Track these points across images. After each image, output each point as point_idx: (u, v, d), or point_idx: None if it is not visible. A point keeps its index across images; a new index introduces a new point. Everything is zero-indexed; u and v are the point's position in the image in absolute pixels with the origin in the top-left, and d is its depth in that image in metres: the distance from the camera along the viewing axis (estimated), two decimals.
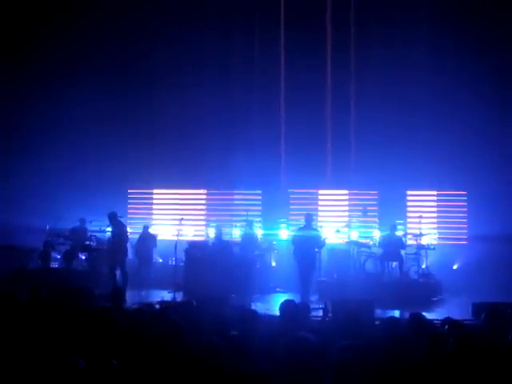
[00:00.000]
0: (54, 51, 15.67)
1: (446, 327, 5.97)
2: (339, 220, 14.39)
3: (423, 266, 13.30)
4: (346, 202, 15.16)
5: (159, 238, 14.82)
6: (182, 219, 14.17)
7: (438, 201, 14.84)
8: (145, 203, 16.14)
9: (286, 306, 6.58)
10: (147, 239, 14.53)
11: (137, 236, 14.56)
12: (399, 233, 13.49)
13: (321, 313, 8.77)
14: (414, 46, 14.54)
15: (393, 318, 6.90)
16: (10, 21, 15.74)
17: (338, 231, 12.96)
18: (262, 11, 15.46)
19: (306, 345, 4.73)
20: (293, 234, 12.65)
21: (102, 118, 15.31)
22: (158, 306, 9.81)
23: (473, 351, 4.97)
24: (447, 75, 14.22)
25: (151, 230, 14.89)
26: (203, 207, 15.78)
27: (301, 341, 4.76)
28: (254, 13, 15.47)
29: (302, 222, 12.71)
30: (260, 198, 15.52)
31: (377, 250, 13.36)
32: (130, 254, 13.95)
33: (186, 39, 15.23)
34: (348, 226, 13.78)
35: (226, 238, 13.77)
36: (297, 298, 11.49)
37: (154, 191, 16.20)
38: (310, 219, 12.39)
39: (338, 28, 15.10)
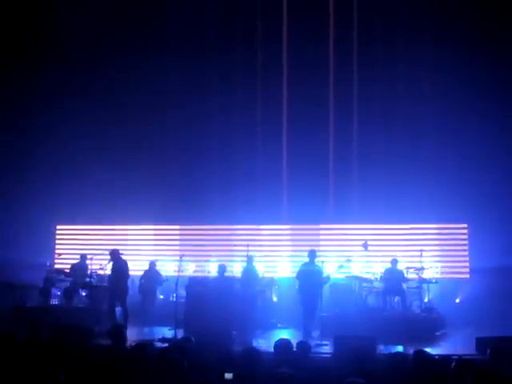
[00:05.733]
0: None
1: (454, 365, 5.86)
2: (341, 255, 14.30)
3: (425, 300, 13.20)
4: (348, 237, 15.11)
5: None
6: (183, 255, 14.16)
7: (438, 234, 14.79)
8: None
9: (280, 344, 6.52)
10: (153, 276, 14.44)
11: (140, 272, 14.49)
12: (401, 266, 13.41)
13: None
14: (417, 79, 14.74)
15: (398, 353, 6.83)
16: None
17: (341, 267, 12.85)
18: (264, 42, 15.66)
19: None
20: (297, 269, 12.51)
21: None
22: (158, 344, 9.78)
23: None
24: (448, 108, 14.37)
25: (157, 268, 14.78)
26: (203, 243, 15.68)
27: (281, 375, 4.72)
28: (256, 44, 15.65)
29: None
30: (261, 232, 15.49)
31: (378, 285, 13.27)
32: (132, 290, 13.88)
33: (180, 72, 15.48)
34: (349, 260, 13.71)
35: (227, 274, 13.66)
36: (298, 334, 11.45)
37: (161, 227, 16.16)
38: (313, 255, 12.33)
39: (341, 62, 15.27)
